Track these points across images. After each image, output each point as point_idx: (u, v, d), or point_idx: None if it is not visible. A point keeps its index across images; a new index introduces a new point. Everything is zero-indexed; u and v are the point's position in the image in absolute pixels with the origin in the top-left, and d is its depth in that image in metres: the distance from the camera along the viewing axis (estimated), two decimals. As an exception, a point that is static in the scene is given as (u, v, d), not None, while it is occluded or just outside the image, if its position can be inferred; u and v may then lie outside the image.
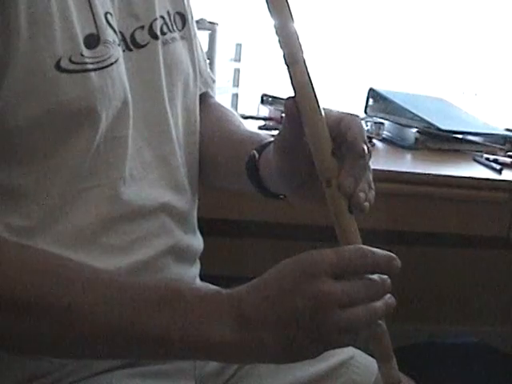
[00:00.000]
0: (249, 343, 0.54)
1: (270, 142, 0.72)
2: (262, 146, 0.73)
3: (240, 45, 1.77)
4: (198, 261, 0.81)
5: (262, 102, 1.47)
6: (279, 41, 0.60)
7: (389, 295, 0.57)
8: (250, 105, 1.56)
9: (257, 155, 0.73)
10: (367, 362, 0.85)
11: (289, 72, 0.60)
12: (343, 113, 0.62)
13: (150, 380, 0.70)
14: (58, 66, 0.57)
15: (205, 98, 0.88)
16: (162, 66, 0.72)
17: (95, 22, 0.61)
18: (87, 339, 0.54)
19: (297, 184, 0.68)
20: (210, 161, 0.82)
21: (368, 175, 0.62)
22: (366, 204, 0.60)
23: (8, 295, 0.52)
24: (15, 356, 0.63)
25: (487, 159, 1.32)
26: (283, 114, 0.66)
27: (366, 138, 0.61)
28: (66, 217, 0.62)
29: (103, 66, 0.61)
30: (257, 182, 0.74)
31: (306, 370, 0.80)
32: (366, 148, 0.59)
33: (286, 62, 0.60)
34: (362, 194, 0.59)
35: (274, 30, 0.60)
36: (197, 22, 0.84)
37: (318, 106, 0.60)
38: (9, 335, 0.54)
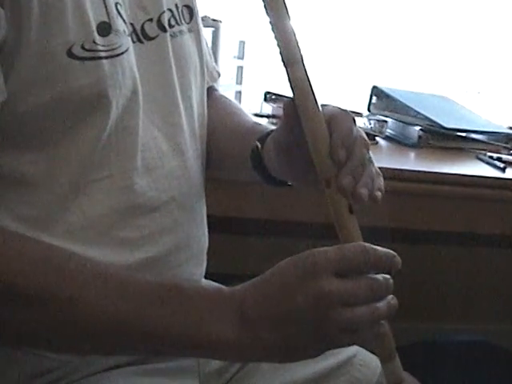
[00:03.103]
0: (250, 342, 0.54)
1: (272, 131, 0.73)
2: (265, 136, 0.74)
3: (243, 42, 1.77)
4: (205, 258, 0.81)
5: (266, 99, 1.47)
6: (277, 42, 0.60)
7: (391, 296, 0.56)
8: (253, 102, 1.56)
9: (259, 146, 0.73)
10: (370, 360, 0.85)
11: (287, 73, 0.60)
12: (335, 110, 0.62)
13: (153, 378, 0.70)
14: (69, 53, 0.57)
15: (210, 92, 0.88)
16: (171, 58, 0.72)
17: (107, 11, 0.61)
18: (87, 333, 0.54)
19: (299, 174, 0.68)
20: (217, 153, 0.83)
21: (370, 169, 0.62)
22: (378, 194, 0.61)
23: (9, 286, 0.52)
24: (19, 352, 0.63)
25: (491, 157, 1.31)
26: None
27: (356, 135, 0.61)
28: (77, 207, 0.62)
29: (115, 55, 0.61)
30: (262, 172, 0.74)
31: (309, 368, 0.80)
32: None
33: (283, 63, 0.60)
34: (363, 190, 0.59)
35: (272, 33, 0.60)
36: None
37: (317, 107, 0.60)
38: (10, 327, 0.54)
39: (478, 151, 1.39)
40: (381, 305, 0.55)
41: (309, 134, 0.60)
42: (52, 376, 0.65)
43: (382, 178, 0.63)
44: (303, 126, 0.60)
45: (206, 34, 1.56)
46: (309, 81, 0.60)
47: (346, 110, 0.63)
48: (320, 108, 0.60)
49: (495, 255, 1.82)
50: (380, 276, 0.55)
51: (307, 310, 0.52)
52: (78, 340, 0.55)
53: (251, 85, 1.78)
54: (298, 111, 0.60)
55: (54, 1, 0.56)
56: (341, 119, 0.61)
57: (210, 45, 1.56)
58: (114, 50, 0.61)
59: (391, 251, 0.56)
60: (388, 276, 0.56)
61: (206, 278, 0.82)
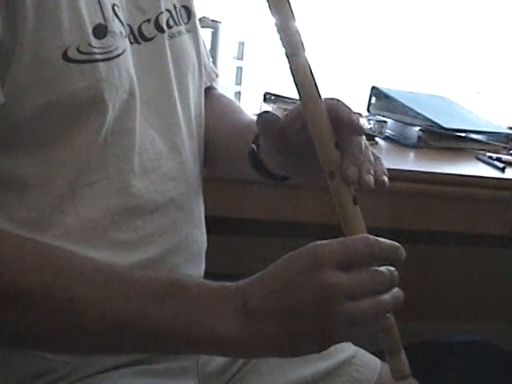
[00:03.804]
0: (254, 337, 0.53)
1: None
2: (259, 135, 0.74)
3: (243, 43, 1.77)
4: (204, 259, 0.81)
5: (265, 100, 1.47)
6: (280, 35, 0.60)
7: (397, 288, 0.56)
8: (253, 103, 1.56)
9: (255, 148, 0.73)
10: (369, 361, 0.85)
11: (290, 65, 0.60)
12: (327, 101, 0.62)
13: (152, 378, 0.70)
14: (65, 56, 0.57)
15: (209, 91, 0.88)
16: (169, 59, 0.72)
17: (103, 13, 0.61)
18: (90, 333, 0.53)
19: (302, 169, 0.68)
20: (215, 151, 0.83)
21: (368, 155, 0.62)
22: (385, 178, 0.61)
23: (10, 288, 0.51)
24: (18, 353, 0.63)
25: (490, 157, 1.31)
26: (286, 112, 0.67)
27: (356, 116, 0.61)
28: (75, 210, 0.62)
29: (111, 57, 0.61)
30: (262, 171, 0.75)
31: (308, 368, 0.80)
32: (358, 122, 0.60)
33: (286, 55, 0.60)
34: (367, 177, 0.59)
35: (274, 26, 0.60)
36: (199, 20, 0.84)
37: (320, 98, 0.60)
38: (11, 328, 0.53)
39: (477, 151, 1.39)
40: (385, 297, 0.54)
41: (312, 125, 0.60)
42: (51, 377, 0.65)
43: (381, 161, 0.63)
44: (306, 118, 0.60)
45: (206, 34, 1.57)
46: (311, 73, 0.60)
47: (340, 100, 0.63)
48: (323, 99, 0.60)
49: (495, 255, 1.82)
50: (384, 268, 0.55)
51: (311, 304, 0.52)
52: (80, 340, 0.55)
53: (250, 85, 1.78)
54: (301, 103, 0.60)
55: (48, 4, 0.56)
56: (339, 106, 0.61)
57: (209, 46, 1.57)
58: (110, 52, 0.61)
59: (395, 243, 0.56)
60: (392, 268, 0.55)
61: (205, 278, 0.81)
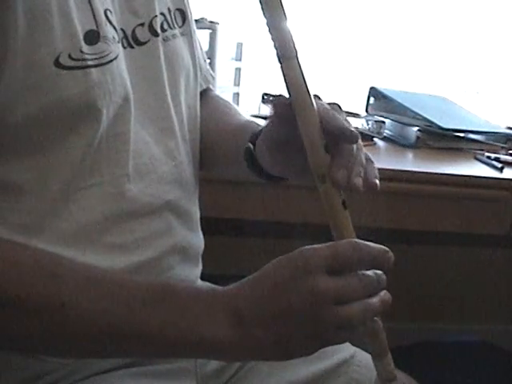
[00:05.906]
0: (244, 341, 0.54)
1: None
2: (257, 134, 0.73)
3: (241, 44, 1.77)
4: (200, 261, 0.81)
5: (263, 100, 1.47)
6: (272, 38, 0.60)
7: (384, 292, 0.56)
8: (251, 104, 1.56)
9: (251, 147, 0.73)
10: (368, 361, 0.85)
11: (281, 68, 0.60)
12: (324, 107, 0.62)
13: (151, 380, 0.70)
14: (57, 63, 0.57)
15: (205, 93, 0.88)
16: (163, 62, 0.72)
17: (95, 19, 0.61)
18: (81, 338, 0.54)
19: (295, 170, 0.68)
20: (210, 151, 0.83)
21: (360, 157, 0.61)
22: (376, 181, 0.61)
23: (1, 293, 0.52)
24: (16, 355, 0.63)
25: (488, 157, 1.32)
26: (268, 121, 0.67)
27: (349, 124, 0.61)
28: (69, 214, 0.62)
29: (103, 63, 0.61)
30: (257, 171, 0.75)
31: (306, 369, 0.80)
32: (351, 130, 0.59)
33: (278, 59, 0.60)
34: (357, 180, 0.59)
35: (267, 28, 0.60)
36: (197, 21, 0.84)
37: (311, 102, 0.60)
38: (3, 333, 0.53)
39: (475, 151, 1.39)
40: (373, 301, 0.55)
41: (303, 128, 0.60)
42: (50, 378, 0.65)
43: (374, 165, 0.63)
44: (297, 120, 0.60)
45: (204, 36, 1.57)
46: (303, 76, 0.60)
47: (334, 103, 0.63)
48: (314, 103, 0.60)
49: (494, 255, 1.82)
50: (371, 272, 0.55)
51: (300, 309, 0.52)
52: (72, 345, 0.55)
53: (249, 86, 1.78)
54: (293, 106, 0.60)
55: (39, 10, 0.56)
56: (333, 116, 0.61)
57: (207, 47, 1.57)
58: (102, 57, 0.61)
59: (384, 247, 0.56)
60: (380, 272, 0.56)
61: (202, 279, 0.82)
